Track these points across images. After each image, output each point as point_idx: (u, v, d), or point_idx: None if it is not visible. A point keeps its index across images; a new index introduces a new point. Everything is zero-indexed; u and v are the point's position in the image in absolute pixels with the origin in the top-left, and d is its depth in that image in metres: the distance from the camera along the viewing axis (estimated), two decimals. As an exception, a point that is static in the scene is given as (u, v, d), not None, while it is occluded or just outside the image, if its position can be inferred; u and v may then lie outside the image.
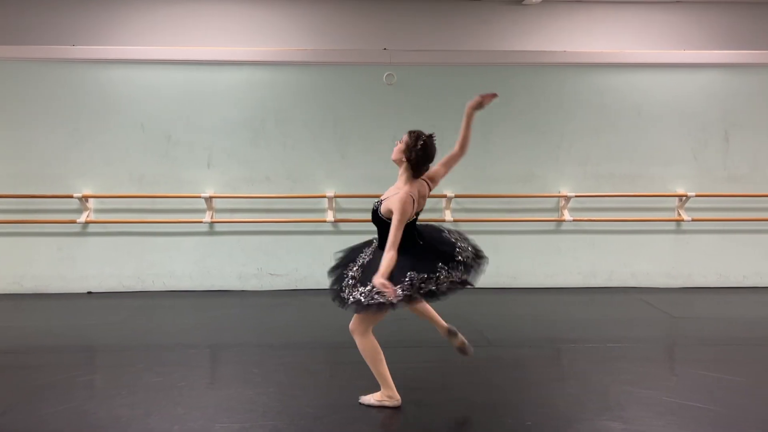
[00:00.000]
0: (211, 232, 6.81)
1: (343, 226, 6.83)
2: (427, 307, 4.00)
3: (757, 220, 6.95)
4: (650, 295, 6.63)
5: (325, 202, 6.79)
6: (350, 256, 3.85)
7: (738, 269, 7.01)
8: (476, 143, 6.81)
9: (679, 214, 6.88)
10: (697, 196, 6.83)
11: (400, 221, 3.45)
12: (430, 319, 4.05)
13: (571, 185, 6.89)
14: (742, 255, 7.00)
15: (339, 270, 3.80)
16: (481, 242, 6.86)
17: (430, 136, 3.63)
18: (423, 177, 3.71)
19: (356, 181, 6.80)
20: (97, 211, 6.74)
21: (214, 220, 6.73)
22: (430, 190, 3.77)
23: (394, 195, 3.57)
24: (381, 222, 3.67)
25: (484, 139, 6.79)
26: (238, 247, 6.82)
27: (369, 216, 6.92)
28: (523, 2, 6.64)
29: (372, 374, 3.78)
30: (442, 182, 6.63)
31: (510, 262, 6.89)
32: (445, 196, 6.74)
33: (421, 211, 3.74)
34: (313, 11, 6.67)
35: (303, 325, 5.62)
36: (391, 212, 3.51)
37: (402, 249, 3.46)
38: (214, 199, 6.72)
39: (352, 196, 6.77)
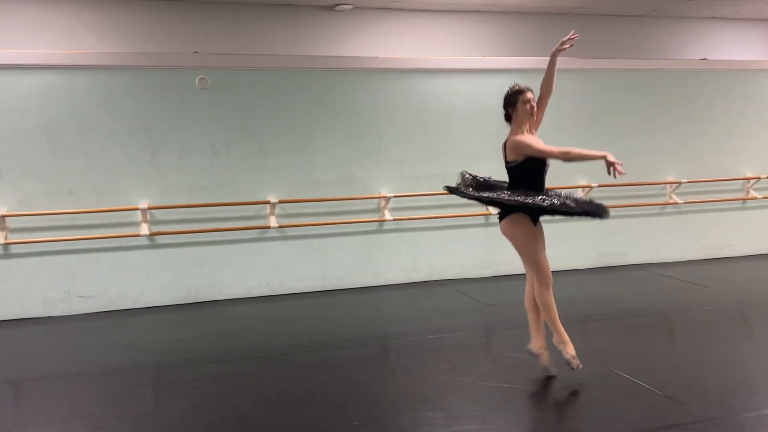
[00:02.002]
0: (7, 255, 6.10)
1: (160, 239, 6.48)
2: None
3: (553, 211, 7.71)
4: (465, 285, 7.08)
5: (138, 215, 6.39)
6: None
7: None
8: (298, 148, 6.90)
9: (487, 209, 7.42)
10: (502, 191, 7.42)
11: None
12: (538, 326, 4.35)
13: (391, 186, 7.15)
14: (543, 243, 7.72)
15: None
16: (307, 246, 6.94)
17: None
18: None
19: (172, 191, 6.48)
20: None
21: (8, 241, 6.04)
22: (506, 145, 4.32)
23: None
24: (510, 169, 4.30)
25: (306, 144, 6.82)
26: (40, 270, 6.18)
27: (190, 227, 6.64)
28: (335, 9, 6.77)
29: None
30: (265, 189, 6.67)
31: (337, 264, 7.00)
32: (268, 203, 6.66)
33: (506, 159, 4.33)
34: (115, 13, 6.24)
35: (118, 348, 5.22)
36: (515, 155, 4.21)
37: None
38: (7, 218, 6.03)
39: (168, 206, 6.44)
